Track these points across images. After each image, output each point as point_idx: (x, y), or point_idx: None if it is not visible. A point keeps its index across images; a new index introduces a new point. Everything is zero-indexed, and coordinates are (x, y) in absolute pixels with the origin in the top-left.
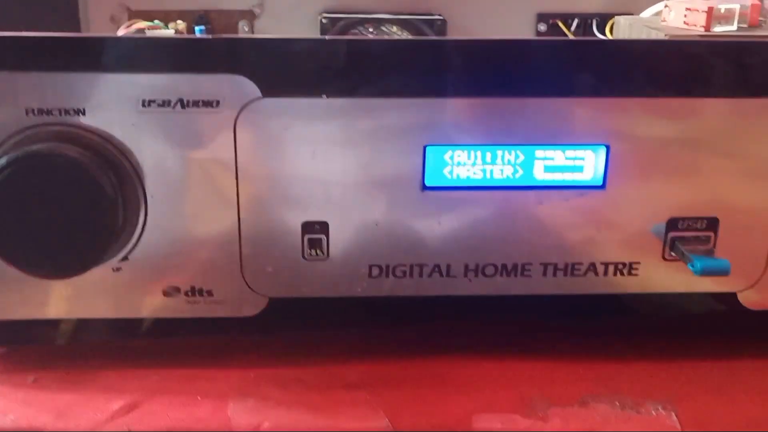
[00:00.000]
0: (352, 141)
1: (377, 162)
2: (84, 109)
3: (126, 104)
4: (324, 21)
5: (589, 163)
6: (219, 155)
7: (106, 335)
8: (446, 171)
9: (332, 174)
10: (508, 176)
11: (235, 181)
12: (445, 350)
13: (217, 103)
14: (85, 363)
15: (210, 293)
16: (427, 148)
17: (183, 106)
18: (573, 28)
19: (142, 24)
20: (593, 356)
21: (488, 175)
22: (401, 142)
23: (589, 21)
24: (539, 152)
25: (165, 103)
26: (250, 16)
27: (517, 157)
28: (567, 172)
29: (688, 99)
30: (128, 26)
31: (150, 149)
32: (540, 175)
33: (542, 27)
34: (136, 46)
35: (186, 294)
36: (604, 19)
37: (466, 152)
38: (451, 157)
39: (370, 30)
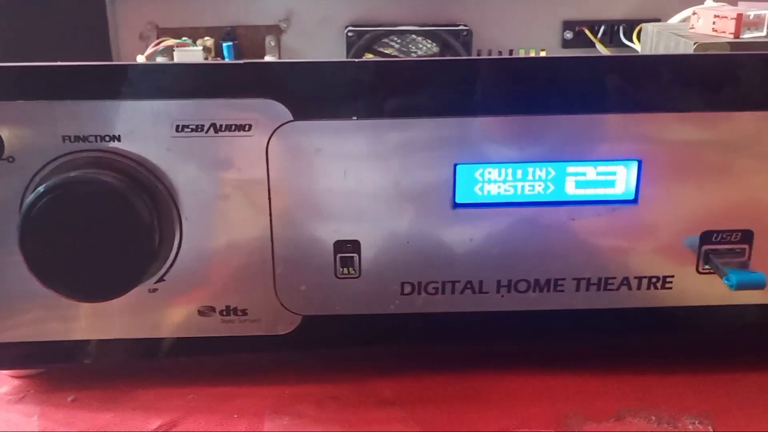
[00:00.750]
0: (382, 161)
1: (408, 181)
2: (119, 136)
3: (160, 130)
4: (350, 35)
5: (621, 178)
6: (252, 177)
7: (144, 355)
8: (477, 188)
9: (363, 193)
10: (539, 192)
11: (267, 202)
12: (478, 366)
13: (249, 126)
14: (123, 382)
15: (244, 312)
16: (458, 166)
17: (216, 131)
18: (599, 35)
19: (170, 41)
20: (628, 370)
21: (519, 192)
22: (432, 161)
23: (616, 28)
24: (570, 168)
25: (198, 128)
26: (276, 31)
27: (548, 173)
28: (599, 188)
29: (721, 112)
30: (157, 44)
31: (184, 173)
32: (571, 191)
33: (568, 35)
34: (169, 72)
35: (221, 313)
36: (631, 26)
37: (496, 169)
38: (482, 175)
39: (397, 41)
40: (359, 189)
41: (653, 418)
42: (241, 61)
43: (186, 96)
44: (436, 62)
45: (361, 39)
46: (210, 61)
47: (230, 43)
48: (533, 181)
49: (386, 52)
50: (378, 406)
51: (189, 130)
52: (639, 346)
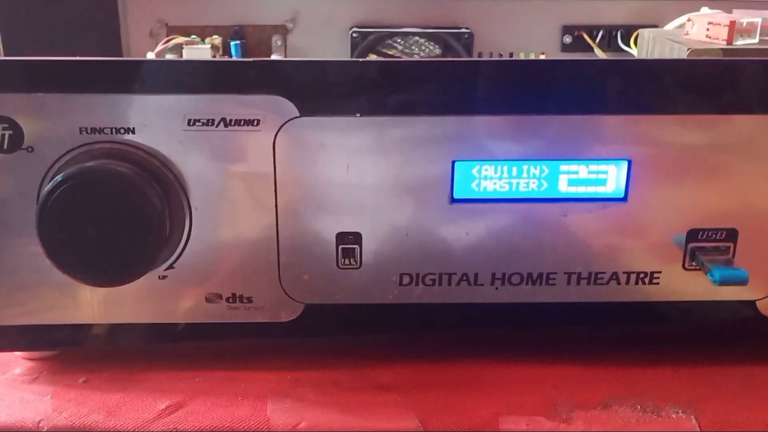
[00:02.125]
0: (384, 157)
1: (408, 176)
2: (134, 128)
3: (172, 123)
4: (354, 35)
5: (612, 177)
6: (259, 170)
7: (152, 339)
8: (474, 184)
9: (365, 187)
10: (533, 189)
11: (273, 194)
12: (473, 355)
13: (258, 122)
14: (132, 365)
15: (249, 299)
16: (456, 163)
17: (225, 125)
18: (598, 40)
19: (179, 39)
20: (616, 361)
21: (514, 188)
22: (431, 157)
23: (614, 33)
24: (563, 166)
25: (209, 122)
26: (283, 30)
27: (542, 171)
28: (590, 186)
29: (709, 115)
30: (166, 42)
31: (195, 165)
32: (564, 188)
33: (567, 39)
34: (182, 69)
35: (227, 300)
36: (628, 32)
37: (493, 167)
38: (479, 171)
39: (399, 43)
40: (361, 183)
41: (638, 406)
42: (251, 59)
43: (198, 91)
44: (436, 62)
45: (365, 40)
46: (219, 58)
47: (238, 42)
48: (528, 178)
49: (389, 53)
50: (375, 390)
51: (200, 124)
52: (627, 338)
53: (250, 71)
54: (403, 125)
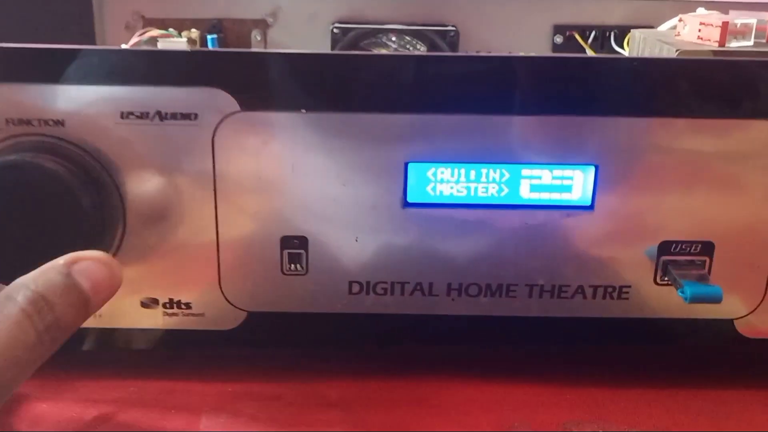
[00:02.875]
0: (331, 156)
1: (358, 177)
2: (64, 120)
3: (105, 116)
4: (335, 31)
5: (578, 183)
6: (197, 168)
7: (85, 345)
8: (429, 188)
9: (312, 188)
10: (492, 194)
11: (213, 193)
12: (426, 371)
13: (195, 116)
14: (65, 372)
15: (188, 306)
16: (409, 165)
17: (161, 119)
18: (590, 40)
19: (155, 32)
20: (580, 382)
21: (472, 193)
22: (382, 158)
23: (607, 34)
24: (526, 171)
25: (143, 115)
26: (263, 25)
27: (502, 175)
28: (554, 192)
29: (684, 119)
30: (141, 34)
31: (129, 161)
32: (526, 194)
33: (558, 39)
34: (115, 58)
35: (164, 306)
36: (623, 32)
37: (449, 169)
38: (434, 174)
39: (383, 40)
40: (307, 184)
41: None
42: (188, 49)
43: (132, 82)
44: (388, 57)
45: (346, 36)
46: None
47: (215, 36)
48: (487, 183)
49: (372, 50)
50: (320, 407)
51: (134, 116)
52: (592, 357)
53: (187, 62)
54: (353, 123)
